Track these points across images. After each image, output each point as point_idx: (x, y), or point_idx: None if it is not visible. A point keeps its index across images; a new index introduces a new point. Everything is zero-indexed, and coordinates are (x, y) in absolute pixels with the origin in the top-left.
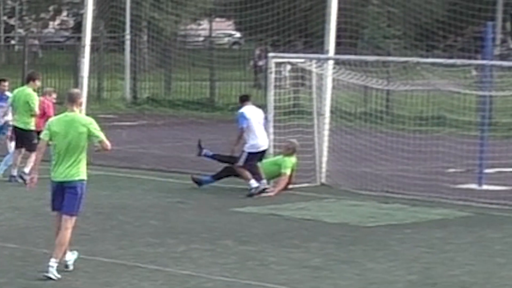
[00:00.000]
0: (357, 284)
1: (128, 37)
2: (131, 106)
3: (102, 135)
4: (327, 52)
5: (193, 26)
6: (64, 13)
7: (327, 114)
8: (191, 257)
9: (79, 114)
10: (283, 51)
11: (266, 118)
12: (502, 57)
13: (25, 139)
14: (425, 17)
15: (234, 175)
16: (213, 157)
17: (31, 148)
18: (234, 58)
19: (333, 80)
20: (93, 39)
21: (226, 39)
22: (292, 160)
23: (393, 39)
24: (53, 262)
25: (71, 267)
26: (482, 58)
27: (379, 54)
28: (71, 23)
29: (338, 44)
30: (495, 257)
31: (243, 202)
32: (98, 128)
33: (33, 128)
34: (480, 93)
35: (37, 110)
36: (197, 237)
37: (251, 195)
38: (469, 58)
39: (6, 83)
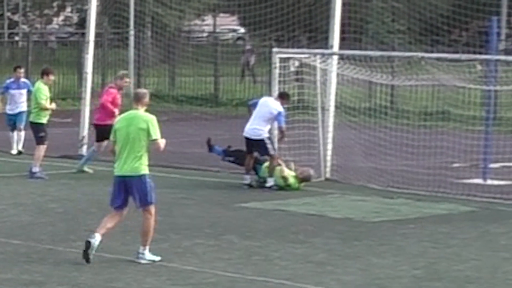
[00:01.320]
0: (362, 279)
1: (132, 33)
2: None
3: (157, 134)
4: (331, 47)
5: (197, 21)
6: (68, 9)
7: (332, 109)
8: (195, 253)
9: (142, 111)
10: (287, 47)
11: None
12: (507, 51)
13: (34, 131)
14: (429, 12)
15: (240, 164)
16: (224, 152)
17: (37, 141)
18: (239, 53)
19: (338, 75)
20: (97, 35)
21: (230, 35)
22: (295, 184)
23: (398, 34)
24: (142, 250)
25: (142, 261)
26: (486, 53)
27: (384, 49)
28: (75, 19)
29: (342, 39)
30: (500, 251)
31: (248, 198)
32: (157, 127)
33: (42, 121)
34: (485, 87)
35: (44, 103)
36: (201, 232)
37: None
38: (474, 53)
39: (22, 70)
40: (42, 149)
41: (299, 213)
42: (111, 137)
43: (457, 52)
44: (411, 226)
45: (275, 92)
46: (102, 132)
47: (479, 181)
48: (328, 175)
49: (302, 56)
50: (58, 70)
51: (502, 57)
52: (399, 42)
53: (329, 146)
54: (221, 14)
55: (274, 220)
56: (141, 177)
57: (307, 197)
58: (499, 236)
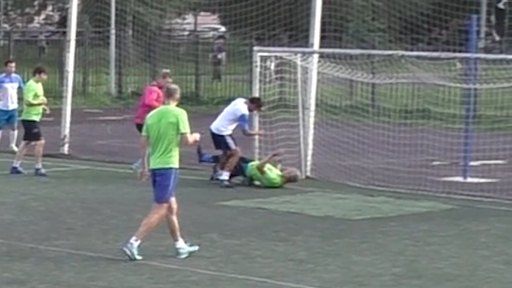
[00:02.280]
0: (342, 277)
1: (113, 31)
2: (116, 101)
3: (186, 128)
4: (312, 45)
5: (178, 20)
6: (49, 8)
7: (312, 107)
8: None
9: (173, 106)
10: (268, 45)
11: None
12: (487, 50)
13: (25, 129)
14: (409, 10)
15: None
16: (214, 158)
17: (30, 137)
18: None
19: (318, 73)
20: (78, 33)
21: (211, 33)
22: (279, 181)
23: (378, 33)
24: (133, 239)
25: (182, 256)
26: (466, 51)
27: (364, 47)
28: (56, 17)
29: (323, 37)
30: (479, 249)
31: (229, 196)
32: (186, 121)
33: (33, 118)
34: (465, 86)
35: (30, 99)
36: (182, 230)
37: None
38: (454, 51)
39: (13, 64)
40: (40, 145)
41: (280, 211)
42: (143, 132)
43: (437, 51)
44: (391, 224)
45: (256, 91)
46: None
47: (459, 179)
48: (309, 174)
49: (283, 54)
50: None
51: (482, 55)
52: (379, 41)
53: (310, 145)
54: (202, 13)
55: (255, 218)
56: (168, 170)
57: (288, 195)
58: (479, 234)
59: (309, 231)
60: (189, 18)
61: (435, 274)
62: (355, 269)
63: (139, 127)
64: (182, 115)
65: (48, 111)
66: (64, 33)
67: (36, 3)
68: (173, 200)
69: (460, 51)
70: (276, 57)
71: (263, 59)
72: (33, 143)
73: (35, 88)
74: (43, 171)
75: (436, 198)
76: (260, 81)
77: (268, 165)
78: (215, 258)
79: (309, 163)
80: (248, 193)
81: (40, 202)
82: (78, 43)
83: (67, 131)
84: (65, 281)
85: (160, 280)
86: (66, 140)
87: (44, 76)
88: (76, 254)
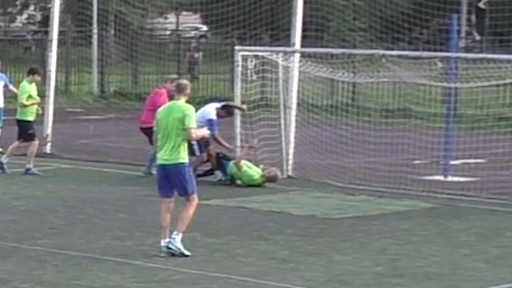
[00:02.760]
0: (324, 276)
1: (95, 31)
2: (98, 100)
3: (191, 124)
4: (293, 45)
5: (160, 19)
6: (31, 7)
7: (294, 106)
8: (159, 250)
9: (182, 102)
10: (250, 45)
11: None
12: (467, 49)
13: (20, 129)
14: (390, 10)
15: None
16: (205, 173)
17: (25, 138)
18: (202, 51)
19: (300, 72)
20: (61, 33)
21: (193, 33)
22: (259, 179)
23: (359, 32)
24: (174, 235)
25: (171, 246)
26: (447, 51)
27: (345, 47)
28: (39, 17)
29: (304, 37)
30: (460, 248)
31: (210, 195)
32: (192, 117)
33: (28, 118)
34: (446, 85)
35: (24, 101)
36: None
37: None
38: (435, 50)
39: None
40: (34, 146)
41: (261, 211)
42: (154, 127)
43: (418, 50)
44: (372, 223)
45: (238, 91)
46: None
47: (440, 177)
48: (290, 173)
49: (265, 54)
50: (23, 68)
51: (462, 55)
52: (360, 40)
53: (291, 144)
54: (184, 12)
55: (237, 217)
56: (179, 165)
57: (270, 194)
58: (460, 233)
59: (290, 230)
60: (171, 18)
61: (416, 273)
62: (337, 268)
63: (147, 131)
64: (188, 110)
65: (41, 111)
66: (46, 32)
67: (18, 2)
68: (172, 200)
69: (440, 51)
70: (255, 56)
71: (245, 58)
72: (25, 143)
73: (29, 89)
74: (35, 170)
75: (417, 197)
76: (241, 80)
77: (246, 162)
78: (197, 257)
79: (290, 162)
80: (230, 192)
81: (22, 201)
82: (60, 43)
83: (49, 130)
84: (47, 280)
85: (142, 279)
86: (49, 139)
87: (38, 77)
88: (58, 253)
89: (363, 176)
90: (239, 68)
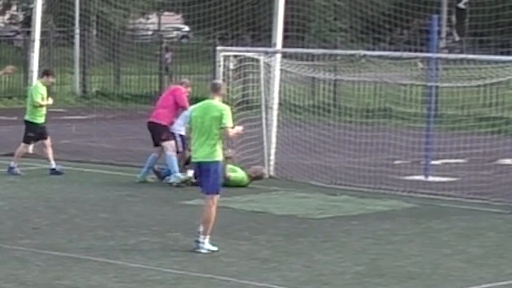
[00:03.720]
0: (305, 275)
1: (77, 31)
2: (80, 100)
3: (228, 122)
4: (274, 45)
5: (142, 20)
6: (14, 8)
7: (276, 106)
8: (141, 250)
9: (217, 101)
10: (231, 45)
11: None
12: (448, 49)
13: (25, 129)
14: (371, 10)
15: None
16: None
17: (24, 138)
18: (183, 51)
19: (281, 72)
20: (43, 33)
21: (174, 33)
22: (246, 181)
23: (340, 32)
24: (201, 239)
25: (202, 251)
26: (427, 51)
27: (326, 47)
28: (21, 17)
29: (285, 37)
30: (441, 248)
31: (192, 195)
32: (230, 116)
33: (36, 121)
34: (427, 84)
35: (39, 101)
36: (147, 230)
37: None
38: (415, 51)
39: None
40: (25, 148)
41: (243, 211)
42: (187, 124)
43: (398, 50)
44: (354, 222)
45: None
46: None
47: (420, 177)
48: (272, 173)
49: (246, 54)
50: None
51: (443, 55)
52: (341, 40)
53: (273, 144)
54: (166, 13)
55: (219, 217)
56: (213, 163)
57: (252, 194)
58: (441, 232)
59: (272, 230)
60: (153, 18)
61: (397, 273)
62: (318, 268)
63: (157, 127)
64: (226, 110)
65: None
66: (29, 32)
67: (0, 2)
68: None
69: (421, 51)
70: (235, 56)
71: (226, 58)
72: (23, 144)
73: (42, 90)
74: (17, 170)
75: (398, 196)
76: (223, 80)
77: (230, 166)
78: (180, 257)
79: (272, 162)
80: None
81: (5, 202)
82: (43, 43)
83: None
84: (30, 280)
85: (124, 279)
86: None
87: (51, 79)
88: (41, 253)
89: (344, 176)
90: (221, 69)
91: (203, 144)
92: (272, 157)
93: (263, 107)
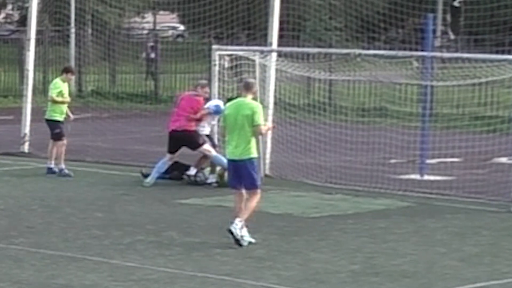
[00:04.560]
0: (301, 274)
1: (72, 30)
2: (75, 99)
3: (260, 120)
4: (270, 44)
5: (137, 19)
6: (9, 7)
7: (271, 105)
8: (136, 249)
9: (249, 99)
10: (227, 44)
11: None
12: (443, 48)
13: (49, 128)
14: (366, 9)
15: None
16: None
17: (53, 137)
18: (178, 50)
19: (277, 71)
20: (38, 32)
21: (170, 32)
22: None
23: (335, 31)
24: (237, 221)
25: (244, 243)
26: (422, 50)
27: (321, 46)
28: (16, 16)
29: (281, 36)
30: (436, 246)
31: (188, 194)
32: (261, 114)
33: (56, 118)
34: (422, 83)
35: (54, 96)
36: (142, 229)
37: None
38: (410, 49)
39: None
40: (60, 146)
41: None
42: (221, 122)
43: (393, 49)
44: (349, 221)
45: (215, 90)
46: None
47: (416, 176)
48: (267, 172)
49: (241, 53)
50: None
51: (438, 54)
52: (336, 39)
53: (268, 143)
54: (161, 12)
55: (214, 216)
56: (249, 161)
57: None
58: (436, 231)
59: (267, 229)
60: (148, 17)
61: (392, 271)
62: (314, 266)
63: (178, 135)
64: (257, 108)
65: (72, 118)
66: (24, 32)
67: None
68: (243, 190)
69: (416, 50)
70: (229, 55)
71: (222, 57)
72: (53, 142)
73: (61, 86)
74: (66, 171)
75: (393, 195)
76: (219, 79)
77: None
78: (175, 256)
79: (267, 161)
80: (207, 191)
81: (0, 201)
82: (38, 42)
83: (27, 129)
84: (25, 279)
85: (119, 278)
86: (27, 138)
87: (71, 76)
88: (36, 252)
89: (339, 175)
90: (216, 68)
91: (236, 142)
92: (267, 156)
93: None
